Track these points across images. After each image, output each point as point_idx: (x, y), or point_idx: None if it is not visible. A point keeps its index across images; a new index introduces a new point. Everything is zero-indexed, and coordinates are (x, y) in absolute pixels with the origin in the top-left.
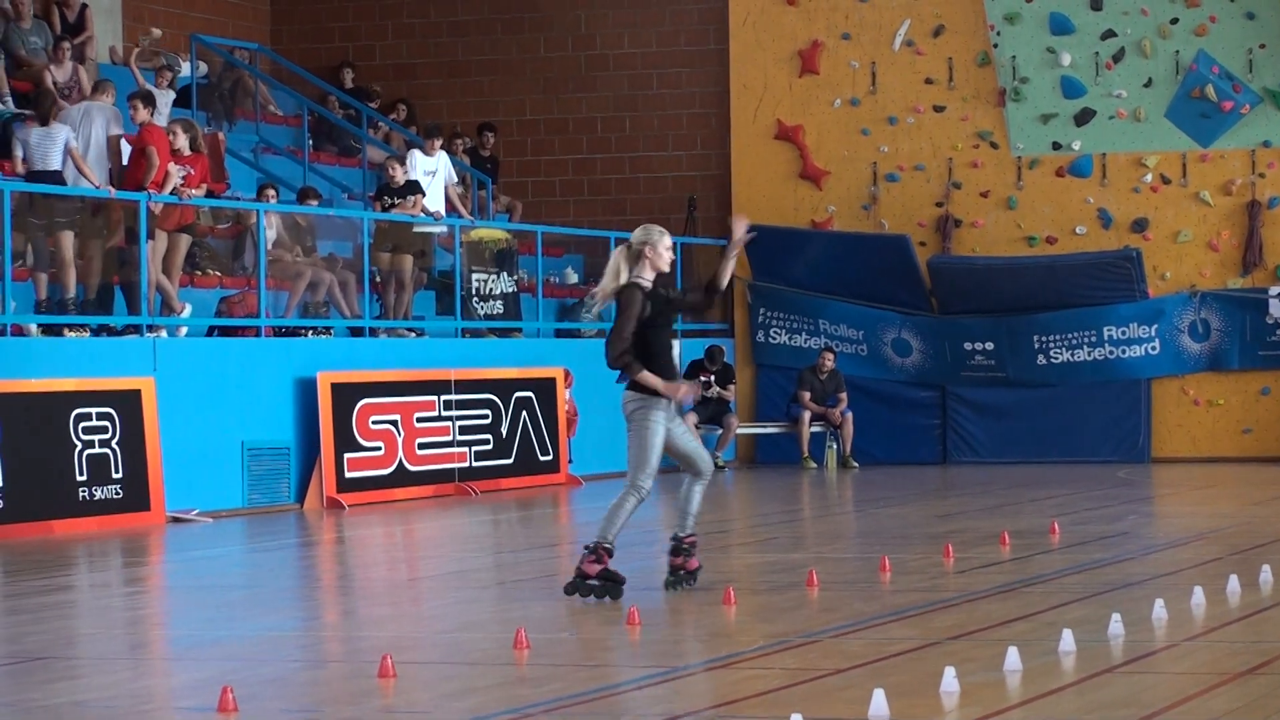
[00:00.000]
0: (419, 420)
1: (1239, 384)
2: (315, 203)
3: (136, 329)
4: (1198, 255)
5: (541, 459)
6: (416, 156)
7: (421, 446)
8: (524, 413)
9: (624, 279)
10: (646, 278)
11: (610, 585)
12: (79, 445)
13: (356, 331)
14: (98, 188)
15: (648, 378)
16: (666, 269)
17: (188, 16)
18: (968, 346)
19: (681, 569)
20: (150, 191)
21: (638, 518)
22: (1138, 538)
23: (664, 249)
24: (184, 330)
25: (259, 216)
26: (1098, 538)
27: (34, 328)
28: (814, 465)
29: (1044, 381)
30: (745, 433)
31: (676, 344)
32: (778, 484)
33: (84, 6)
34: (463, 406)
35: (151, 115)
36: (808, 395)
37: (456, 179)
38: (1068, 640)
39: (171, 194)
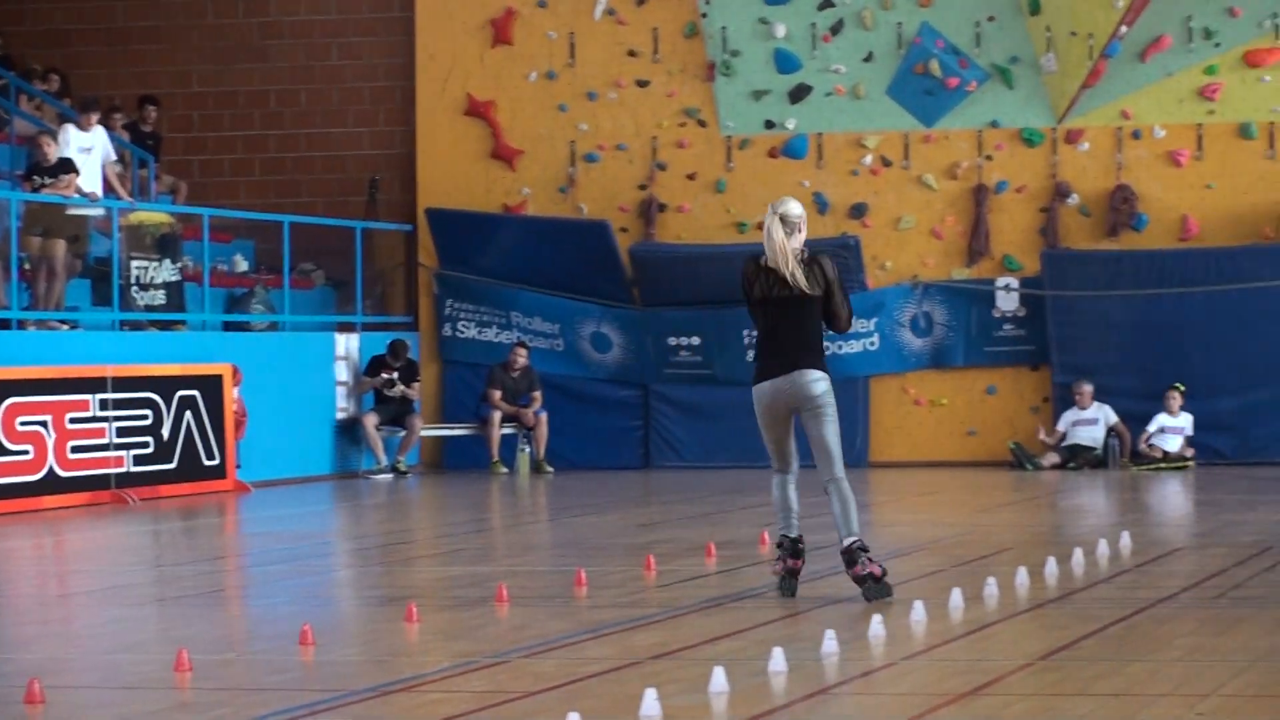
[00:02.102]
0: (71, 421)
1: (963, 382)
2: None
3: None
4: (920, 243)
5: (207, 464)
6: (71, 132)
7: (74, 450)
8: (188, 413)
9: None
10: None
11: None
12: None
13: (2, 324)
14: None
15: None
16: None
17: None
18: (672, 341)
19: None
20: None
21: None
22: None
23: None
24: None
25: None
26: (811, 548)
27: None
28: (505, 470)
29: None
30: (430, 434)
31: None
32: (465, 490)
33: None
34: (120, 406)
35: None
36: (498, 394)
37: (115, 157)
38: (778, 659)
39: None
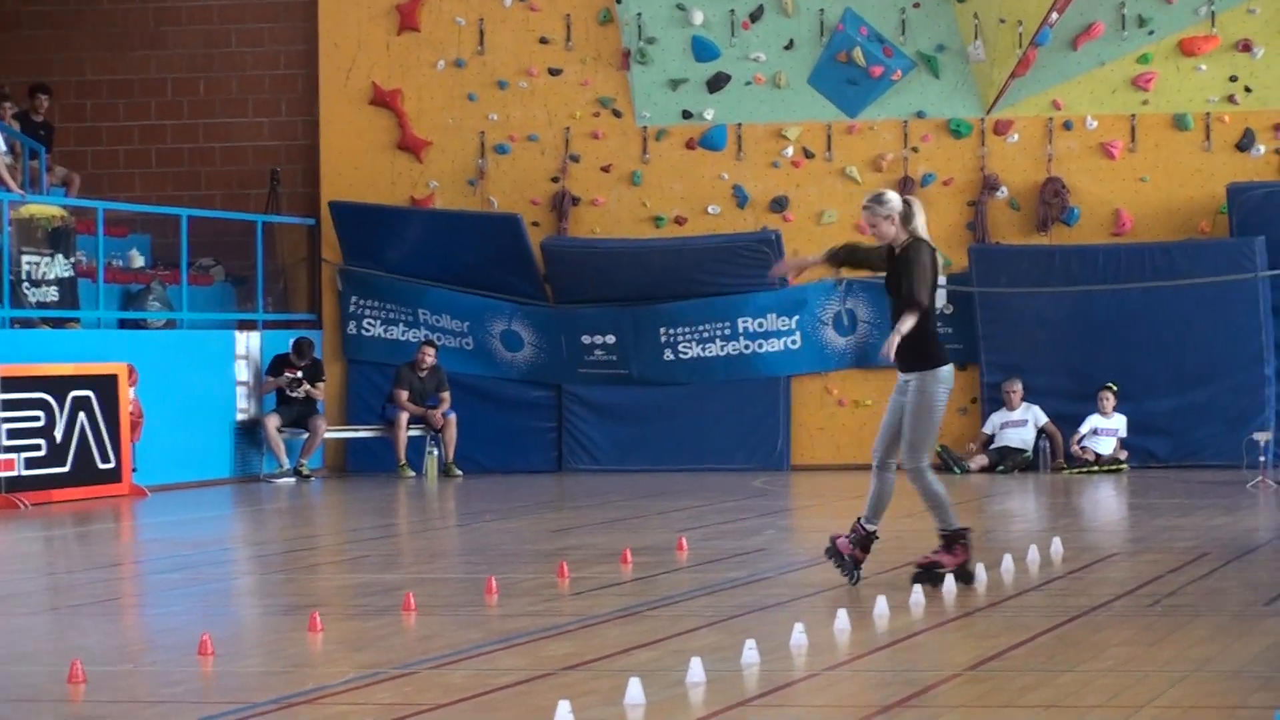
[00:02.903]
0: None
1: (888, 383)
2: None
3: None
4: (843, 238)
5: (101, 467)
6: None
7: None
8: (82, 414)
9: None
10: None
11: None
12: None
13: None
14: None
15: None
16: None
17: None
18: (586, 340)
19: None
20: None
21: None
22: (775, 555)
23: None
24: None
25: None
26: (730, 555)
27: None
28: (412, 474)
29: (672, 379)
30: (335, 436)
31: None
32: (371, 495)
33: None
34: (11, 407)
35: None
36: (405, 395)
37: (5, 147)
38: (696, 670)
39: None
